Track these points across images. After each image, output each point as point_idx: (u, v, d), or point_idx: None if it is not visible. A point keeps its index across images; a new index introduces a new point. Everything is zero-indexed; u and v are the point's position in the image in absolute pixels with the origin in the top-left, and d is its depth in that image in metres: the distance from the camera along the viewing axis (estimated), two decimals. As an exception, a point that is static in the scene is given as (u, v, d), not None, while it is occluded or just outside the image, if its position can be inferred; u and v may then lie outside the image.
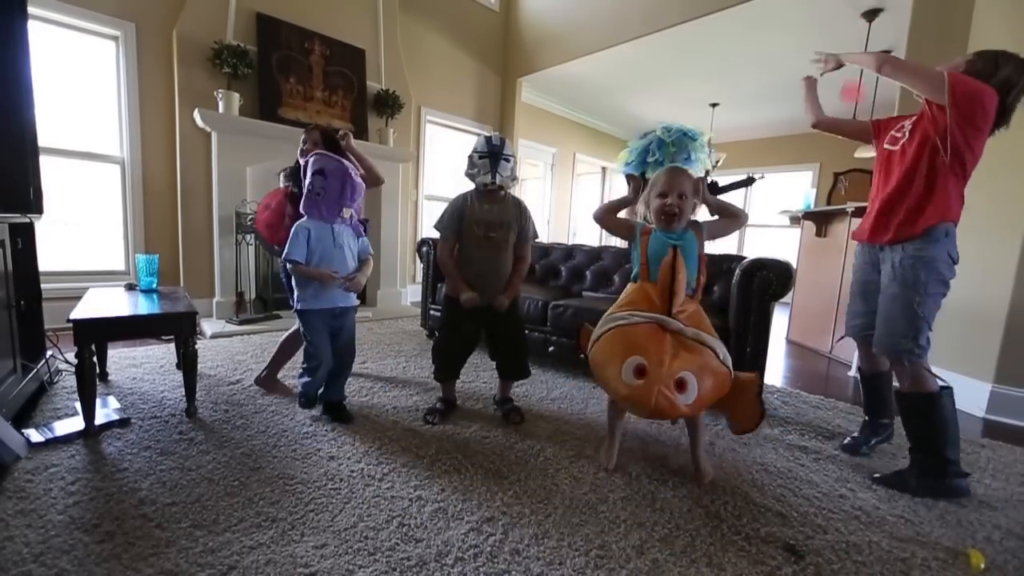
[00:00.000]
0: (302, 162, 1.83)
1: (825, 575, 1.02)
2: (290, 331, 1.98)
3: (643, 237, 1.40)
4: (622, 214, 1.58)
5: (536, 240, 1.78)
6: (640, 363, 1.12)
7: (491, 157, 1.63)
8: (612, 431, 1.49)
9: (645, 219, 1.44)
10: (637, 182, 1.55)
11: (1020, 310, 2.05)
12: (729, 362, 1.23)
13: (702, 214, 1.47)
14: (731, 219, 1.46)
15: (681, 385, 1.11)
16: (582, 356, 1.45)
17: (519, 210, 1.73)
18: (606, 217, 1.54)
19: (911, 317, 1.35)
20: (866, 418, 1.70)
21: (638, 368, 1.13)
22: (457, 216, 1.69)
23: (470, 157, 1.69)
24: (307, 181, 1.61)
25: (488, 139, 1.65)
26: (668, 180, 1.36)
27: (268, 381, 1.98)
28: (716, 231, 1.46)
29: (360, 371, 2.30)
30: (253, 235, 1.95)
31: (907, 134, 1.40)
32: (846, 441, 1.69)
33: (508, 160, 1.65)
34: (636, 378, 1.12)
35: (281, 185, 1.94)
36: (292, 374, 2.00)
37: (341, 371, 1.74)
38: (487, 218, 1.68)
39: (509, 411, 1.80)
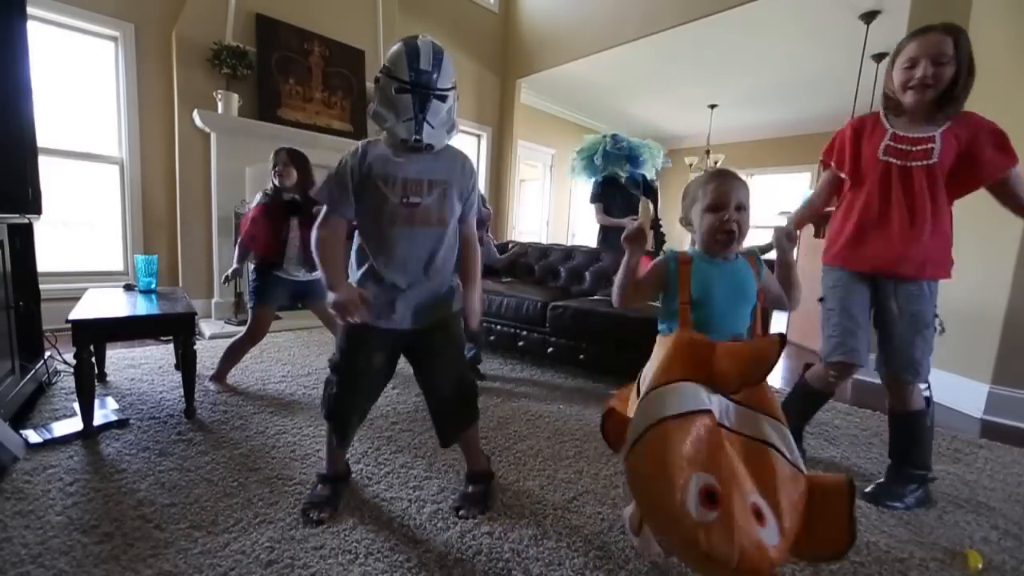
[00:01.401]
0: (276, 183, 1.96)
1: (824, 575, 1.02)
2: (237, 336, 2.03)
3: (682, 267, 0.96)
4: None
5: (488, 219, 1.19)
6: (709, 483, 0.70)
7: (417, 93, 0.99)
8: (641, 525, 1.01)
9: (692, 243, 1.04)
10: (641, 237, 1.00)
11: (1018, 311, 2.06)
12: (800, 460, 0.78)
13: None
14: (794, 285, 1.02)
15: (759, 516, 0.70)
16: (614, 451, 0.99)
17: (460, 163, 1.13)
18: (630, 294, 1.02)
19: (929, 337, 1.32)
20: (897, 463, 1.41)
21: (706, 491, 0.69)
22: (346, 175, 1.05)
23: (379, 88, 1.04)
24: None
25: (411, 55, 0.97)
26: (718, 188, 0.94)
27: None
28: (769, 290, 1.02)
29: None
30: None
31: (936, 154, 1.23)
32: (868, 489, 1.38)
33: (444, 99, 1.02)
34: (707, 509, 0.68)
35: (258, 201, 2.01)
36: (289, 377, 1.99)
37: None
38: (406, 173, 1.05)
39: (467, 498, 1.22)
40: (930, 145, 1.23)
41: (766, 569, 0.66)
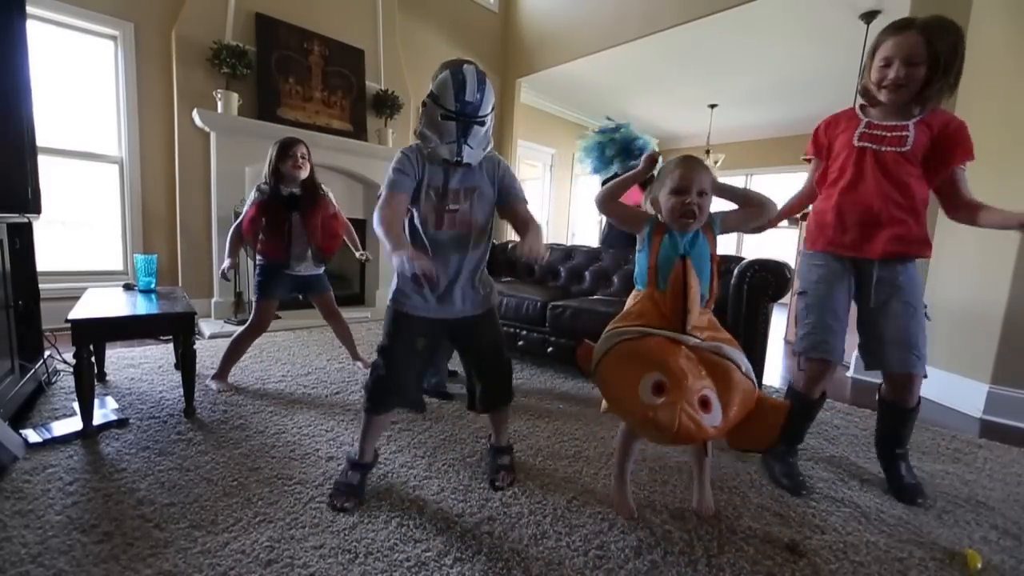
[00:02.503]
0: (290, 176, 1.95)
1: (823, 575, 1.03)
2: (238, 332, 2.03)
3: (656, 236, 1.17)
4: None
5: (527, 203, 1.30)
6: (659, 379, 0.96)
7: (460, 122, 1.10)
8: (622, 472, 1.25)
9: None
10: (652, 157, 1.29)
11: (1017, 311, 2.06)
12: (753, 375, 1.05)
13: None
14: (756, 208, 1.20)
15: (705, 404, 0.95)
16: (587, 375, 1.19)
17: (493, 165, 1.24)
18: (609, 203, 1.27)
19: (923, 322, 1.32)
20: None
21: (657, 385, 0.96)
22: (410, 163, 1.16)
23: (426, 111, 1.14)
24: None
25: (459, 88, 1.07)
26: (684, 174, 1.11)
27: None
28: (733, 224, 1.22)
29: (359, 371, 2.31)
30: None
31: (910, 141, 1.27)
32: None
33: (483, 123, 1.13)
34: (656, 396, 0.95)
35: (253, 199, 1.97)
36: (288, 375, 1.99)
37: None
38: (446, 183, 1.18)
39: (499, 469, 1.36)
40: (904, 133, 1.25)
41: (698, 438, 0.92)
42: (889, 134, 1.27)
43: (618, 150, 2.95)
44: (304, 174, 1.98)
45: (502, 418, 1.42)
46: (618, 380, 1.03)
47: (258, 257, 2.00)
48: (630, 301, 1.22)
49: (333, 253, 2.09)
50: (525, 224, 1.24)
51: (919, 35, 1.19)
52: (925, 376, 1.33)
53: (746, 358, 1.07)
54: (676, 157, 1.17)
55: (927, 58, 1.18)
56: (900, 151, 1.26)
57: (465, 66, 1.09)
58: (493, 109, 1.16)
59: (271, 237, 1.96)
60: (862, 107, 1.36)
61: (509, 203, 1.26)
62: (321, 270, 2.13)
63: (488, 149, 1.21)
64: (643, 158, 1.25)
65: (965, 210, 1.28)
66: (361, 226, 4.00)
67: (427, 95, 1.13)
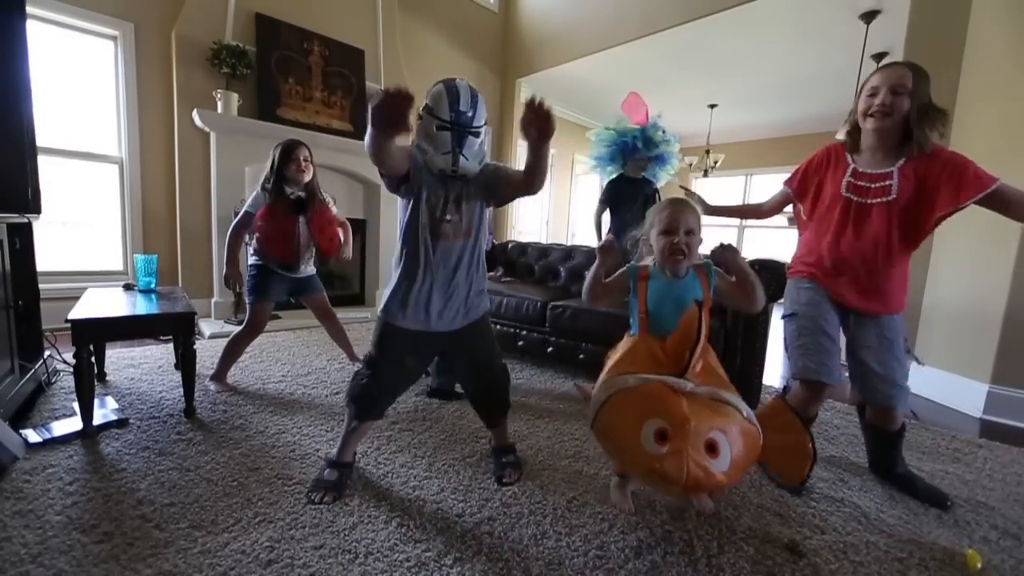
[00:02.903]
0: (294, 179, 1.95)
1: (823, 575, 1.03)
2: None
3: (640, 283, 1.20)
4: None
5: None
6: (661, 426, 0.91)
7: (455, 131, 1.12)
8: (623, 492, 1.24)
9: (641, 260, 1.27)
10: (610, 249, 1.24)
11: (1017, 311, 2.06)
12: (755, 420, 1.02)
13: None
14: (749, 291, 1.18)
15: (712, 448, 0.91)
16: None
17: (490, 174, 1.24)
18: (598, 295, 1.25)
19: (904, 361, 1.34)
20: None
21: (659, 432, 0.91)
22: (415, 163, 1.17)
23: (421, 124, 1.16)
24: None
25: (452, 98, 1.10)
26: (671, 215, 1.16)
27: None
28: (725, 296, 1.22)
29: (359, 371, 2.31)
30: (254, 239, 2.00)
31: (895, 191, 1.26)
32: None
33: (478, 135, 1.16)
34: (659, 445, 0.91)
35: (261, 200, 1.96)
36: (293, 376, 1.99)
37: None
38: (441, 191, 1.18)
39: (505, 467, 1.38)
40: (888, 182, 1.27)
41: (709, 487, 0.89)
42: (873, 185, 1.29)
43: (627, 148, 2.91)
44: (308, 177, 1.99)
45: (500, 423, 1.45)
46: (618, 430, 1.00)
47: (253, 258, 1.99)
48: (623, 345, 1.23)
49: (333, 255, 2.10)
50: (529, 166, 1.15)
51: (907, 68, 1.24)
52: (907, 411, 1.38)
53: (744, 403, 1.04)
54: (664, 200, 1.24)
55: (912, 91, 1.21)
56: (885, 201, 1.27)
57: (458, 80, 1.14)
58: (487, 124, 1.19)
59: (278, 239, 1.94)
60: (849, 151, 1.37)
61: (507, 180, 1.22)
62: (313, 271, 2.14)
63: (483, 163, 1.23)
64: (597, 248, 1.24)
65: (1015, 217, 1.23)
66: (362, 226, 4.00)
67: (422, 108, 1.15)
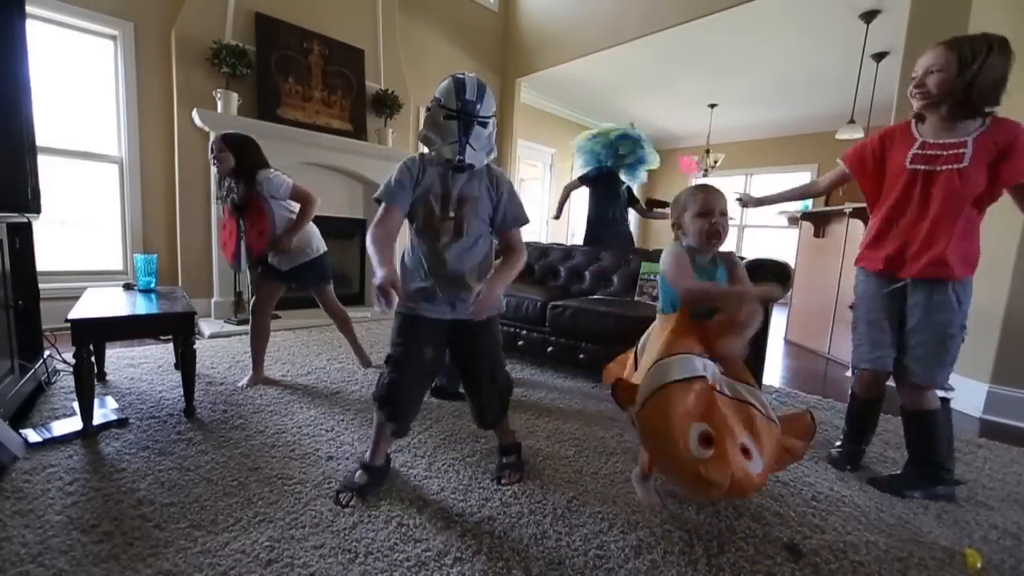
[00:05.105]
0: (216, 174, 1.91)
1: (823, 575, 1.03)
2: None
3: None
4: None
5: (526, 224, 1.29)
6: (705, 431, 0.93)
7: (462, 120, 1.13)
8: (645, 486, 1.31)
9: (678, 241, 1.29)
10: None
11: (1017, 311, 2.06)
12: (772, 413, 1.07)
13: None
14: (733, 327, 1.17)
15: (746, 452, 0.94)
16: (624, 409, 1.15)
17: (495, 181, 1.26)
18: (687, 285, 1.20)
19: (953, 348, 1.32)
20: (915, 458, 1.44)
21: (704, 436, 0.93)
22: (408, 175, 1.19)
23: (429, 115, 1.18)
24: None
25: (459, 88, 1.13)
26: (706, 198, 1.21)
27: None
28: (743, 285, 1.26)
29: (360, 370, 2.31)
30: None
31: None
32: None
33: (485, 125, 1.17)
34: (704, 449, 0.92)
35: (225, 206, 1.96)
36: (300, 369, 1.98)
37: None
38: (447, 189, 1.20)
39: (505, 467, 1.38)
40: (962, 150, 1.24)
41: (750, 490, 0.93)
42: (944, 152, 1.27)
43: (608, 147, 3.17)
44: (224, 168, 1.90)
45: (501, 425, 1.43)
46: (665, 429, 0.98)
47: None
48: (659, 325, 1.26)
49: (260, 253, 1.95)
50: (508, 252, 1.27)
51: (942, 47, 1.24)
52: (944, 388, 1.36)
53: (762, 396, 1.09)
54: (693, 186, 1.27)
55: (949, 65, 1.21)
56: (958, 168, 1.24)
57: (467, 74, 1.16)
58: (494, 115, 1.20)
59: (226, 241, 1.98)
60: (916, 124, 1.36)
61: (506, 224, 1.27)
62: (299, 262, 2.01)
63: (492, 156, 1.24)
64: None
65: None
66: (362, 226, 4.00)
67: (431, 101, 1.19)
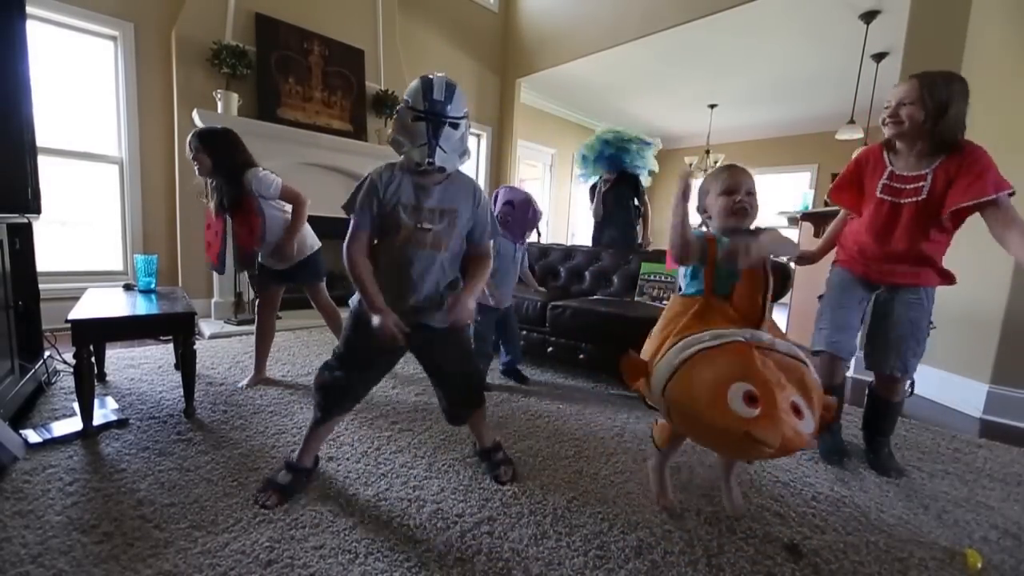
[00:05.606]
0: (199, 173, 1.86)
1: (823, 575, 1.03)
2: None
3: (709, 243, 1.16)
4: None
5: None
6: (749, 389, 0.87)
7: (430, 120, 1.08)
8: (662, 467, 1.28)
9: (704, 225, 1.25)
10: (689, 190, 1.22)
11: (1016, 311, 2.06)
12: (815, 371, 1.01)
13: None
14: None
15: (797, 411, 0.89)
16: (631, 386, 1.14)
17: (471, 192, 1.23)
18: (688, 253, 1.16)
19: (923, 340, 1.45)
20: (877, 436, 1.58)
21: (748, 395, 0.87)
22: (374, 194, 1.15)
23: (398, 117, 1.14)
24: (497, 210, 1.96)
25: (427, 88, 1.08)
26: (731, 176, 1.18)
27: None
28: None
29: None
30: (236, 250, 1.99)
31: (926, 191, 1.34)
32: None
33: (456, 126, 1.12)
34: (750, 407, 0.86)
35: (211, 206, 1.91)
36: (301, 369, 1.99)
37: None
38: (421, 201, 1.16)
39: (498, 465, 1.38)
40: (921, 183, 1.34)
41: (799, 447, 0.87)
42: (907, 186, 1.36)
43: (612, 151, 3.20)
44: (202, 168, 1.82)
45: (478, 421, 1.40)
46: (699, 392, 0.93)
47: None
48: (676, 306, 1.19)
49: (249, 251, 1.91)
50: (477, 263, 1.26)
51: (914, 80, 1.32)
52: (911, 383, 1.50)
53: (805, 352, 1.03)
54: (719, 166, 1.25)
55: (921, 100, 1.28)
56: (916, 200, 1.34)
57: (434, 74, 1.12)
58: (466, 117, 1.14)
59: (210, 242, 1.97)
60: (887, 152, 1.44)
61: (484, 237, 1.27)
62: (295, 260, 1.97)
63: (465, 159, 1.20)
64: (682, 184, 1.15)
65: (998, 239, 1.26)
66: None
67: (399, 104, 1.16)
